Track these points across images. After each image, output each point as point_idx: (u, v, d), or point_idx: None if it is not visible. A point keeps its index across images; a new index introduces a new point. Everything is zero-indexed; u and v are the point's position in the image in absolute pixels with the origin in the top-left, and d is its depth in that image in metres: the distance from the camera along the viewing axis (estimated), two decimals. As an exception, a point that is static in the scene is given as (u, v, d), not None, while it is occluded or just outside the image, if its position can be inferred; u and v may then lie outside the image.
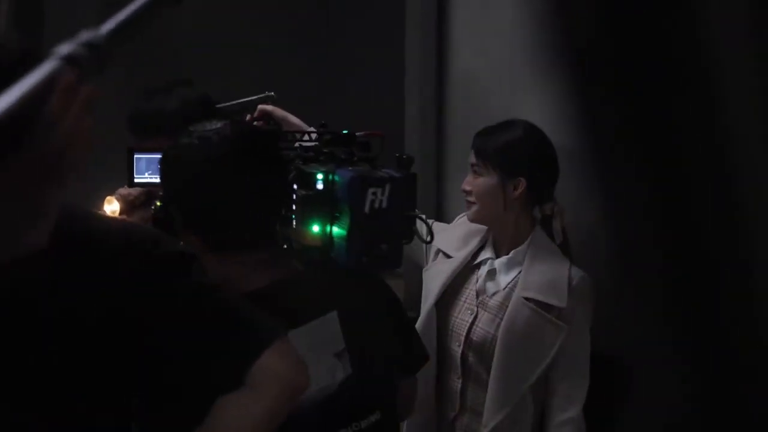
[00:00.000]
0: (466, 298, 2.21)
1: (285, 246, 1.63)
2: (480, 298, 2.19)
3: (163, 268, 1.31)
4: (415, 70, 2.59)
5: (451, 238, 2.29)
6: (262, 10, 3.46)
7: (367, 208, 1.50)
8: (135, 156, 1.73)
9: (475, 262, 2.24)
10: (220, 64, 2.35)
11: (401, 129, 2.65)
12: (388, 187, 1.50)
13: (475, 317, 2.18)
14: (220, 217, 1.53)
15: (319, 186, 1.54)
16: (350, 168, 1.55)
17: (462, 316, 2.20)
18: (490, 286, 2.21)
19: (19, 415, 1.22)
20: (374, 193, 1.50)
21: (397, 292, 3.16)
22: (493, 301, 2.18)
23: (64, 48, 0.78)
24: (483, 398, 2.16)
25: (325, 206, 1.54)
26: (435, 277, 2.26)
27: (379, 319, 1.68)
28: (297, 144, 1.72)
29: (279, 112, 2.11)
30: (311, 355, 1.55)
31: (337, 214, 1.53)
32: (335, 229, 1.54)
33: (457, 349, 2.20)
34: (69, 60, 0.77)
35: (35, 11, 2.51)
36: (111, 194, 1.98)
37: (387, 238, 1.52)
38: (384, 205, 1.50)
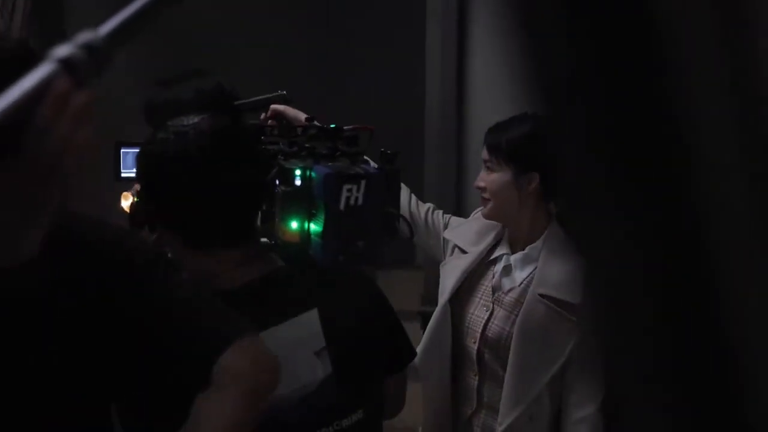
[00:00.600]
0: (482, 295, 2.18)
1: (272, 242, 1.61)
2: (496, 295, 2.15)
3: (126, 269, 1.31)
4: (436, 64, 2.55)
5: (467, 234, 2.25)
6: (262, 10, 3.45)
7: (342, 205, 1.47)
8: (122, 150, 1.73)
9: (491, 257, 2.20)
10: (221, 62, 2.35)
11: (394, 127, 2.61)
12: (363, 184, 1.47)
13: (491, 314, 2.14)
14: (198, 214, 1.51)
15: (297, 182, 1.52)
16: (327, 164, 1.52)
17: (478, 312, 2.17)
18: (506, 283, 2.16)
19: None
20: (349, 190, 1.47)
21: (416, 286, 3.15)
22: (509, 298, 2.13)
23: (61, 50, 0.75)
24: (500, 395, 2.12)
25: (303, 203, 1.51)
26: (450, 273, 2.23)
27: (362, 317, 1.65)
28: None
29: (291, 111, 2.11)
30: (291, 353, 1.53)
31: (314, 211, 1.50)
32: (312, 226, 1.52)
33: (473, 346, 2.16)
34: (66, 63, 0.74)
35: (54, 5, 2.53)
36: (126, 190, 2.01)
37: (363, 235, 1.49)
38: (360, 201, 1.47)
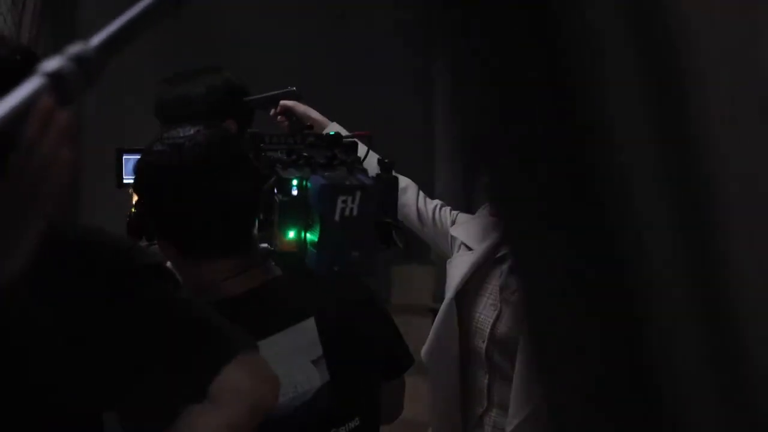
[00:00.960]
0: (490, 294, 2.17)
1: (272, 248, 1.62)
2: (503, 294, 2.15)
3: (127, 277, 1.32)
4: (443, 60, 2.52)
5: (473, 230, 2.24)
6: (262, 9, 3.42)
7: (337, 216, 1.47)
8: (124, 157, 1.74)
9: (497, 255, 2.18)
10: (223, 63, 2.35)
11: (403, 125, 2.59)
12: (358, 195, 1.47)
13: (499, 313, 2.13)
14: (194, 225, 1.53)
15: (294, 192, 1.52)
16: (324, 174, 1.51)
17: (486, 311, 2.16)
18: (513, 281, 2.15)
19: None
20: (344, 201, 1.46)
21: (430, 281, 3.15)
22: (516, 297, 2.13)
23: (50, 64, 0.73)
24: (510, 394, 2.12)
25: (300, 213, 1.51)
26: (456, 270, 2.22)
27: (359, 324, 1.66)
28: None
29: (300, 107, 2.11)
30: (288, 362, 1.54)
31: (310, 222, 1.51)
32: (309, 236, 1.52)
33: (482, 345, 2.15)
34: (53, 77, 0.73)
35: (65, 1, 2.51)
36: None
37: (359, 246, 1.49)
38: (355, 212, 1.47)
